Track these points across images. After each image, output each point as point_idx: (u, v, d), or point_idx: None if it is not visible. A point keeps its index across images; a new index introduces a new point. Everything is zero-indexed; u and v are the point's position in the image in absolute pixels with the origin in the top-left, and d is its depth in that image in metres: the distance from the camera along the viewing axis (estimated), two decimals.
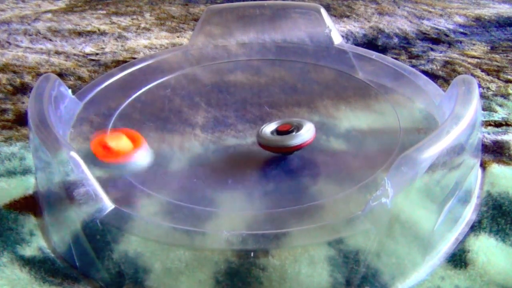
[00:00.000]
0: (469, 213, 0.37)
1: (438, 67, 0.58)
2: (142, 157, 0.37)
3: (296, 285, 0.30)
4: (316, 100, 0.46)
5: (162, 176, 0.37)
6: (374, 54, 0.52)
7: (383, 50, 0.64)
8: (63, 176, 0.31)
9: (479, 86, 0.54)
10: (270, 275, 0.29)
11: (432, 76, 0.56)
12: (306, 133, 0.37)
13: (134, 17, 0.78)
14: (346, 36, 0.68)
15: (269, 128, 0.39)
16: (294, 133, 0.37)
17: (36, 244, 0.35)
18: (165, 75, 0.51)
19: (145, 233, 0.31)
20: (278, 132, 0.38)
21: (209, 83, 0.50)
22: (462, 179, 0.35)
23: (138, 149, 0.37)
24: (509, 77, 0.56)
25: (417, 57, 0.61)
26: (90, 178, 0.31)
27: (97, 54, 0.65)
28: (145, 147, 0.37)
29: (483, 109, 0.49)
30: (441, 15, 0.76)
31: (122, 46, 0.67)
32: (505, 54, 0.62)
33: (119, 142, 0.36)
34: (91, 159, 0.35)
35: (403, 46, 0.65)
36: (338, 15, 0.76)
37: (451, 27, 0.72)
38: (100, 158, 0.35)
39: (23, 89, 0.56)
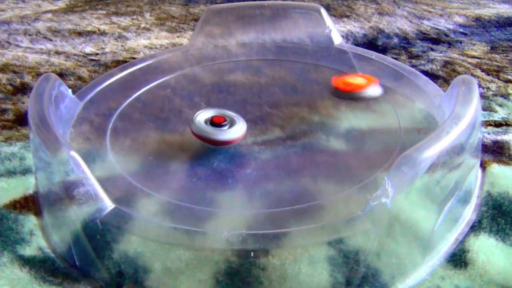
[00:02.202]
0: (469, 213, 0.37)
1: (438, 67, 0.58)
2: (374, 90, 0.46)
3: (296, 285, 0.30)
4: (316, 100, 0.46)
5: (162, 176, 0.37)
6: (374, 54, 0.52)
7: (383, 50, 0.64)
8: (63, 176, 0.31)
9: (479, 86, 0.54)
10: (270, 275, 0.29)
11: (432, 76, 0.56)
12: (236, 132, 0.39)
13: (134, 17, 0.78)
14: (346, 36, 0.68)
15: (204, 116, 0.40)
16: (226, 128, 0.39)
17: (36, 244, 0.35)
18: (165, 75, 0.51)
19: (145, 233, 0.31)
20: (212, 122, 0.39)
21: (209, 83, 0.50)
22: (462, 179, 0.35)
23: (371, 84, 0.46)
24: (509, 77, 0.56)
25: (417, 57, 0.61)
26: (90, 178, 0.31)
27: (97, 54, 0.65)
28: (377, 85, 0.46)
29: (483, 109, 0.49)
30: (441, 15, 0.76)
31: (122, 46, 0.67)
32: (505, 54, 0.62)
33: (357, 79, 0.47)
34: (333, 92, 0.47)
35: (403, 46, 0.65)
36: (338, 15, 0.76)
37: (451, 27, 0.72)
38: (341, 88, 0.46)
39: (23, 89, 0.56)
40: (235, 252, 0.30)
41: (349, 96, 0.46)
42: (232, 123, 0.39)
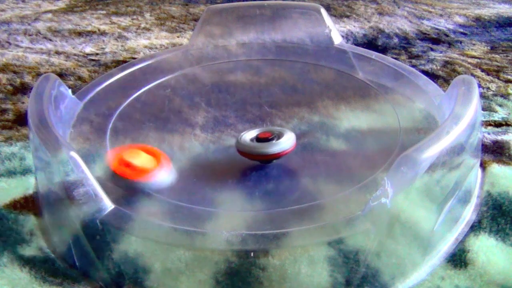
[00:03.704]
0: (469, 213, 0.37)
1: (438, 67, 0.58)
2: (167, 175, 0.35)
3: (296, 285, 0.30)
4: (316, 100, 0.46)
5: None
6: (374, 54, 0.52)
7: (383, 50, 0.64)
8: (63, 176, 0.31)
9: (479, 86, 0.54)
10: (270, 275, 0.29)
11: (432, 76, 0.56)
12: (286, 142, 0.36)
13: (134, 17, 0.78)
14: (346, 36, 0.68)
15: (249, 135, 0.38)
16: (274, 141, 0.36)
17: (36, 244, 0.35)
18: (165, 75, 0.51)
19: (145, 233, 0.31)
20: (258, 139, 0.37)
21: (209, 83, 0.50)
22: (462, 179, 0.35)
23: (161, 166, 0.35)
24: (509, 77, 0.56)
25: (417, 57, 0.61)
26: (90, 178, 0.31)
27: (97, 54, 0.65)
28: (168, 164, 0.36)
29: (483, 109, 0.49)
30: (441, 15, 0.76)
31: (122, 46, 0.67)
32: (505, 54, 0.62)
33: (142, 159, 0.34)
34: (111, 177, 0.34)
35: (403, 46, 0.65)
36: (338, 15, 0.76)
37: (451, 27, 0.72)
38: (122, 175, 0.34)
39: (23, 89, 0.56)
40: (235, 252, 0.30)
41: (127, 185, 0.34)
42: (279, 136, 0.37)
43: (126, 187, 0.33)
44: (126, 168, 0.34)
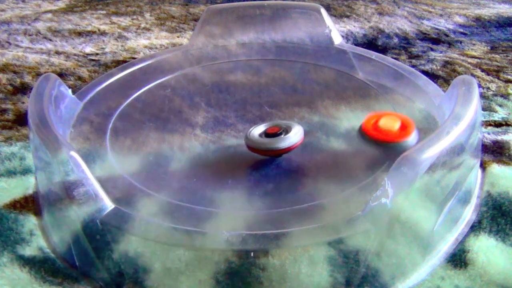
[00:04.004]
0: (469, 213, 0.37)
1: (438, 67, 0.58)
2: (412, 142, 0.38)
3: (296, 285, 0.30)
4: (316, 100, 0.46)
5: (162, 176, 0.37)
6: (374, 54, 0.52)
7: (383, 50, 0.64)
8: (63, 176, 0.31)
9: (479, 86, 0.54)
10: (270, 275, 0.29)
11: (432, 76, 0.56)
12: (294, 136, 0.37)
13: (134, 17, 0.78)
14: (346, 36, 0.68)
15: (257, 131, 0.38)
16: (282, 135, 0.37)
17: (36, 244, 0.35)
18: (165, 75, 0.51)
19: (145, 233, 0.31)
20: (266, 134, 0.38)
21: (209, 83, 0.50)
22: (462, 179, 0.35)
23: (408, 135, 0.38)
24: (509, 77, 0.56)
25: (417, 57, 0.62)
26: (90, 178, 0.31)
27: (97, 54, 0.65)
28: (415, 133, 0.39)
29: (483, 109, 0.49)
30: (441, 15, 0.76)
31: (122, 46, 0.67)
32: (505, 54, 0.62)
33: (395, 125, 0.39)
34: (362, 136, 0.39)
35: (403, 46, 0.65)
36: (338, 15, 0.76)
37: (451, 27, 0.72)
38: (372, 135, 0.39)
39: (23, 89, 0.56)
40: (235, 252, 0.30)
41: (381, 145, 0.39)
42: (287, 131, 0.38)
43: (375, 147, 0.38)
44: (375, 131, 0.39)
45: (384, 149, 0.38)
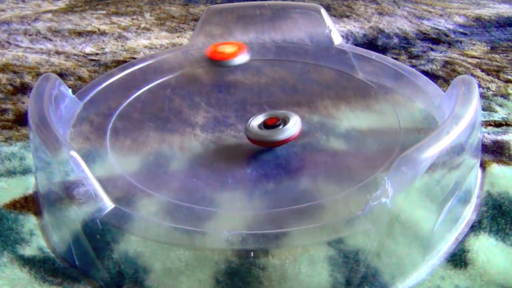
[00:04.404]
0: (469, 213, 0.37)
1: (438, 67, 0.58)
2: (241, 58, 0.51)
3: (296, 285, 0.30)
4: (316, 100, 0.46)
5: (162, 176, 0.37)
6: (374, 54, 0.52)
7: (383, 50, 0.64)
8: (63, 176, 0.31)
9: (479, 86, 0.54)
10: (270, 275, 0.29)
11: (432, 76, 0.56)
12: (293, 127, 0.39)
13: (134, 17, 0.78)
14: (346, 36, 0.68)
15: (256, 122, 0.40)
16: (281, 127, 0.39)
17: (36, 244, 0.35)
18: (165, 75, 0.51)
19: (145, 233, 0.31)
20: (265, 125, 0.39)
21: (209, 83, 0.50)
22: (462, 179, 0.35)
23: (239, 53, 0.51)
24: (509, 77, 0.56)
25: (417, 57, 0.62)
26: (90, 177, 0.31)
27: (97, 54, 0.65)
28: (245, 52, 0.52)
29: (483, 109, 0.49)
30: (441, 15, 0.76)
31: (122, 46, 0.67)
32: (505, 54, 0.62)
33: (227, 47, 0.52)
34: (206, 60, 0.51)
35: (403, 46, 0.65)
36: (338, 15, 0.76)
37: (451, 27, 0.72)
38: (212, 57, 0.51)
39: (23, 89, 0.56)
40: (235, 252, 0.30)
41: (220, 65, 0.51)
42: (285, 122, 0.39)
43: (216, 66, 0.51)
44: (217, 53, 0.51)
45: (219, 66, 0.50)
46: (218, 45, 0.52)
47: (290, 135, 0.38)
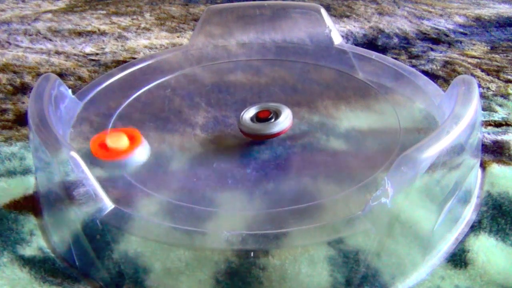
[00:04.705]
0: (469, 213, 0.37)
1: (438, 67, 0.58)
2: (139, 155, 0.38)
3: (296, 285, 0.30)
4: (316, 100, 0.46)
5: (162, 176, 0.37)
6: (374, 54, 0.52)
7: (383, 50, 0.64)
8: (63, 176, 0.31)
9: (479, 86, 0.54)
10: (270, 275, 0.29)
11: (432, 76, 0.56)
12: (285, 120, 0.40)
13: (134, 17, 0.78)
14: (346, 36, 0.68)
15: (248, 115, 0.41)
16: (273, 120, 0.40)
17: (36, 244, 0.35)
18: (165, 75, 0.51)
19: (145, 233, 0.31)
20: (257, 118, 0.40)
21: (209, 83, 0.50)
22: (462, 179, 0.35)
23: (135, 147, 0.38)
24: (509, 77, 0.56)
25: (417, 57, 0.62)
26: (90, 178, 0.31)
27: (97, 54, 0.65)
28: (143, 144, 0.38)
29: (483, 109, 0.49)
30: (441, 15, 0.76)
31: (122, 46, 0.67)
32: (505, 54, 0.62)
33: (117, 140, 0.37)
34: (91, 159, 0.37)
35: (403, 46, 0.65)
36: (338, 15, 0.76)
37: (451, 27, 0.72)
38: (98, 156, 0.37)
39: (23, 89, 0.56)
40: (235, 252, 0.30)
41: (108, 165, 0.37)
42: (277, 115, 0.40)
43: (103, 167, 0.37)
44: (102, 150, 0.37)
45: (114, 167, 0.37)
46: (102, 135, 0.38)
47: (282, 129, 0.39)
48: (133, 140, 0.38)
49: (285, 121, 0.40)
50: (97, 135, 0.39)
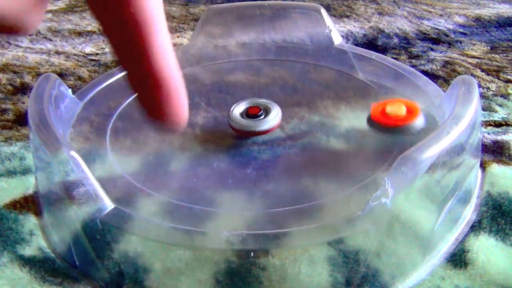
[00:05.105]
0: (469, 213, 0.37)
1: (438, 67, 0.58)
2: (417, 125, 0.39)
3: (296, 285, 0.30)
4: (316, 100, 0.46)
5: (162, 176, 0.37)
6: (374, 54, 0.52)
7: (383, 50, 0.64)
8: (63, 176, 0.31)
9: (479, 86, 0.54)
10: (270, 275, 0.30)
11: (432, 76, 0.56)
12: (275, 118, 0.40)
13: None
14: (346, 36, 0.68)
15: (238, 111, 0.42)
16: (263, 117, 0.41)
17: (36, 244, 0.35)
18: None
19: (145, 233, 0.31)
20: (247, 115, 0.41)
21: (209, 83, 0.50)
22: (462, 179, 0.35)
23: (413, 119, 0.39)
24: (509, 77, 0.56)
25: (417, 57, 0.62)
26: (90, 177, 0.31)
27: (97, 54, 0.65)
28: (421, 117, 0.40)
29: (483, 109, 0.49)
30: (441, 15, 0.76)
31: None
32: (505, 54, 0.62)
33: (398, 110, 0.39)
34: (370, 123, 0.40)
35: (403, 46, 0.65)
36: (338, 15, 0.76)
37: (451, 27, 0.72)
38: (378, 121, 0.39)
39: (23, 89, 0.56)
40: (235, 252, 0.30)
41: (389, 131, 0.39)
42: (267, 112, 0.41)
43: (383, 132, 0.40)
44: (383, 117, 0.39)
45: (394, 134, 0.39)
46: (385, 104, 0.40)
47: (271, 126, 0.40)
48: (411, 113, 0.40)
49: (274, 118, 0.40)
50: (378, 103, 0.41)
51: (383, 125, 0.39)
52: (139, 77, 0.20)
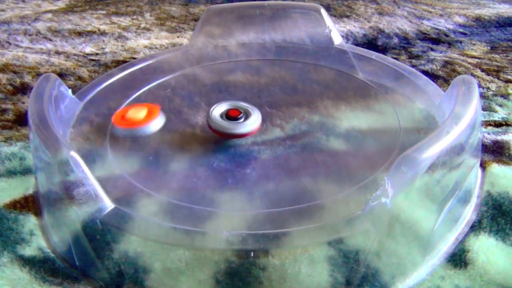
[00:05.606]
0: (469, 213, 0.37)
1: (438, 67, 0.58)
2: (153, 126, 0.42)
3: (296, 284, 0.30)
4: (316, 100, 0.46)
5: (162, 176, 0.37)
6: (374, 54, 0.52)
7: (383, 50, 0.64)
8: (63, 176, 0.31)
9: (479, 86, 0.54)
10: (270, 275, 0.29)
11: (432, 76, 0.56)
12: (254, 123, 0.40)
13: (134, 17, 0.78)
14: (346, 36, 0.68)
15: (218, 111, 0.41)
16: (242, 120, 0.40)
17: (36, 244, 0.35)
18: (165, 75, 0.51)
19: (145, 233, 0.31)
20: (227, 116, 0.40)
21: (209, 83, 0.50)
22: (462, 179, 0.35)
23: (151, 120, 0.42)
24: (509, 77, 0.56)
25: (417, 57, 0.62)
26: (90, 178, 0.31)
27: (97, 54, 0.65)
28: (159, 117, 0.43)
29: (483, 109, 0.49)
30: (441, 15, 0.76)
31: (122, 46, 0.67)
32: (505, 54, 0.62)
33: (136, 112, 0.42)
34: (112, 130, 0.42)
35: (403, 46, 0.65)
36: (338, 15, 0.76)
37: (451, 27, 0.72)
38: (117, 125, 0.42)
39: (23, 89, 0.56)
40: (235, 252, 0.30)
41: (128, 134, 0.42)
42: (247, 115, 0.41)
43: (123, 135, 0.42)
44: (123, 120, 0.42)
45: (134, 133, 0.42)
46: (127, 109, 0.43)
47: (251, 130, 0.40)
48: (149, 114, 0.43)
49: (255, 122, 0.40)
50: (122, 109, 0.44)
51: (124, 128, 0.42)
52: None
